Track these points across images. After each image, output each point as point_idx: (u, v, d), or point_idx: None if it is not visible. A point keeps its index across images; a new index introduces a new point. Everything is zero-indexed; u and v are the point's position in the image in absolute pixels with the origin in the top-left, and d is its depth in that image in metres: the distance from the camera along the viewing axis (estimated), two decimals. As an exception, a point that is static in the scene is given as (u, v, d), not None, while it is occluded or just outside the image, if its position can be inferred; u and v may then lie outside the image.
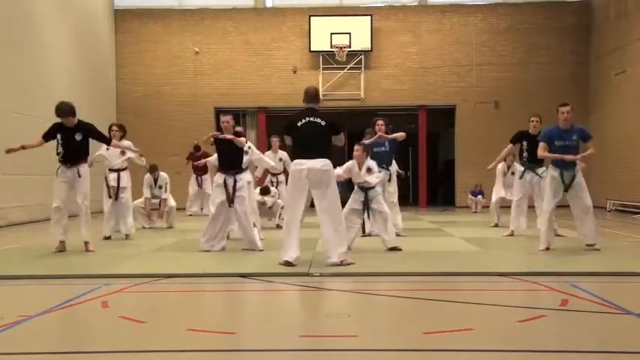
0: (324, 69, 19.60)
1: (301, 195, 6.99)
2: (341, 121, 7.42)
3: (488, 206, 12.91)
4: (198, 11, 20.12)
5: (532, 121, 9.94)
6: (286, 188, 8.99)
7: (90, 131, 8.35)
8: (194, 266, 7.04)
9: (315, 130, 7.03)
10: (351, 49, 19.35)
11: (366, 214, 8.29)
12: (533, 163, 9.66)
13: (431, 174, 21.40)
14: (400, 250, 8.10)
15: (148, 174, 12.11)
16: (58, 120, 8.23)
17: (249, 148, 9.06)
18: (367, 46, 19.50)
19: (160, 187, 12.14)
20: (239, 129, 9.06)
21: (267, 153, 12.21)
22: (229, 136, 8.27)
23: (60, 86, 15.80)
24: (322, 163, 6.94)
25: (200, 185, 15.40)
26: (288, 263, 6.84)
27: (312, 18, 19.47)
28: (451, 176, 20.67)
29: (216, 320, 4.92)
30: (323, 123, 7.06)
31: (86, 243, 8.25)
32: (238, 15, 20.08)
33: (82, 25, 17.55)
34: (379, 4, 20.16)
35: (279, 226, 11.10)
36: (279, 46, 19.97)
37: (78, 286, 5.96)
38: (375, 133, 9.85)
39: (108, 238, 9.80)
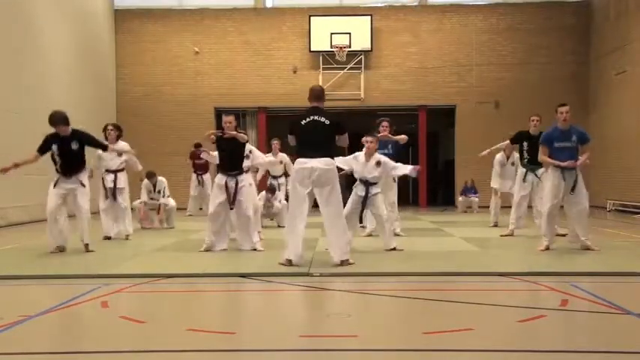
0: (324, 69, 19.60)
1: (304, 194, 6.95)
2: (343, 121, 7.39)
3: (487, 206, 12.83)
4: (198, 11, 20.12)
5: (532, 120, 9.94)
6: (288, 189, 9.05)
7: (85, 139, 8.25)
8: (194, 266, 7.04)
9: (318, 129, 6.99)
10: (351, 49, 19.35)
11: (365, 212, 8.29)
12: (533, 164, 9.60)
13: (431, 174, 21.39)
14: (400, 250, 8.12)
15: (146, 180, 12.07)
16: (52, 130, 8.11)
17: (250, 152, 9.06)
18: (367, 46, 19.50)
19: (159, 192, 12.09)
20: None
21: (268, 155, 12.12)
22: (232, 133, 8.22)
23: (60, 86, 15.81)
24: (325, 162, 6.90)
25: (202, 184, 15.32)
26: (289, 262, 6.85)
27: (312, 18, 19.47)
28: (451, 176, 20.67)
29: (216, 320, 4.92)
30: (327, 122, 7.03)
31: (86, 245, 8.26)
32: (238, 15, 20.08)
33: (81, 26, 17.55)
34: (379, 4, 20.16)
35: (280, 226, 11.12)
36: (279, 46, 19.98)
37: (78, 286, 5.96)
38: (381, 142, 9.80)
39: (108, 238, 9.77)
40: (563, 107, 8.05)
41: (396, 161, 9.66)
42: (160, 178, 12.18)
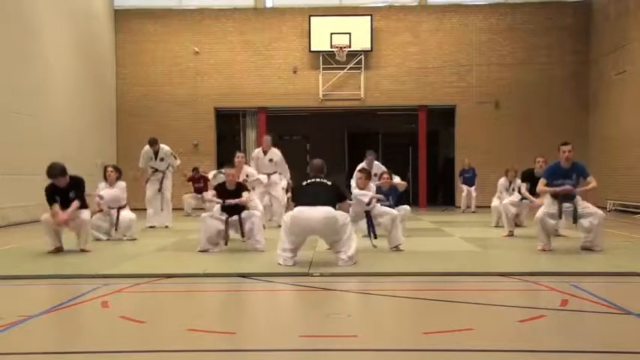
0: (324, 69, 19.59)
1: (300, 235, 6.97)
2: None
3: (485, 206, 12.83)
4: (198, 11, 20.11)
5: (538, 162, 9.91)
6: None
7: (80, 190, 8.26)
8: (194, 266, 7.04)
9: (320, 187, 7.07)
10: (351, 49, 19.33)
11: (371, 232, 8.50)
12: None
13: (431, 174, 21.40)
14: (401, 250, 8.14)
15: (147, 146, 11.84)
16: (49, 184, 8.17)
17: (249, 185, 9.27)
18: (367, 46, 19.49)
19: (162, 160, 11.88)
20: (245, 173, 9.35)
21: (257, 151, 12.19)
22: (234, 202, 8.33)
23: (60, 86, 15.81)
24: (325, 211, 6.83)
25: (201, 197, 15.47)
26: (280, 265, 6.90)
27: (312, 18, 19.46)
28: (451, 176, 20.67)
29: (216, 320, 4.92)
30: (329, 183, 7.13)
31: (82, 250, 8.31)
32: (238, 15, 20.07)
33: (82, 26, 17.55)
34: (379, 4, 20.16)
35: (280, 226, 11.12)
36: (279, 46, 19.96)
37: (78, 286, 5.96)
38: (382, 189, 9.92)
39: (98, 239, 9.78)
40: (566, 146, 8.06)
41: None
42: (163, 145, 11.97)
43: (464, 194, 17.39)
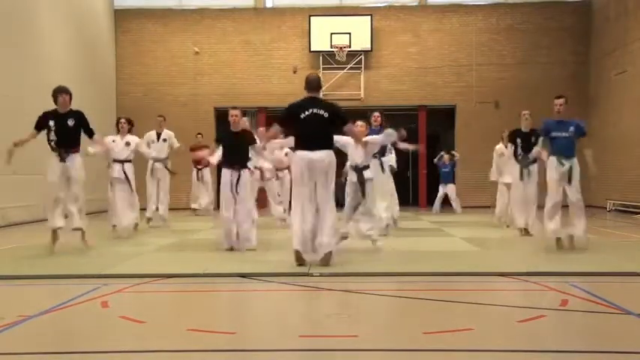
0: (324, 69, 19.58)
1: (308, 183, 6.90)
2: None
3: (484, 206, 12.73)
4: (198, 11, 20.11)
5: (523, 115, 9.93)
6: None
7: (81, 119, 8.09)
8: (194, 266, 7.04)
9: (318, 123, 6.99)
10: (351, 49, 19.34)
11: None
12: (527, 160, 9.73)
13: (431, 174, 21.36)
14: (378, 245, 8.06)
15: (153, 131, 11.69)
16: (49, 109, 8.04)
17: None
18: (367, 46, 19.50)
19: (165, 140, 11.69)
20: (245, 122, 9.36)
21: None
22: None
23: (60, 86, 15.79)
24: (325, 154, 6.91)
25: (201, 180, 15.22)
26: (297, 253, 6.80)
27: (312, 18, 19.47)
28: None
29: (216, 320, 4.91)
30: (326, 115, 7.03)
31: (82, 233, 8.18)
32: (238, 15, 20.08)
33: (82, 25, 17.55)
34: (379, 4, 20.16)
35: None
36: (279, 46, 19.97)
37: (78, 286, 5.95)
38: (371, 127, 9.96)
39: (114, 226, 10.04)
40: (558, 100, 8.23)
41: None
42: (166, 130, 11.80)
43: (440, 190, 16.85)
